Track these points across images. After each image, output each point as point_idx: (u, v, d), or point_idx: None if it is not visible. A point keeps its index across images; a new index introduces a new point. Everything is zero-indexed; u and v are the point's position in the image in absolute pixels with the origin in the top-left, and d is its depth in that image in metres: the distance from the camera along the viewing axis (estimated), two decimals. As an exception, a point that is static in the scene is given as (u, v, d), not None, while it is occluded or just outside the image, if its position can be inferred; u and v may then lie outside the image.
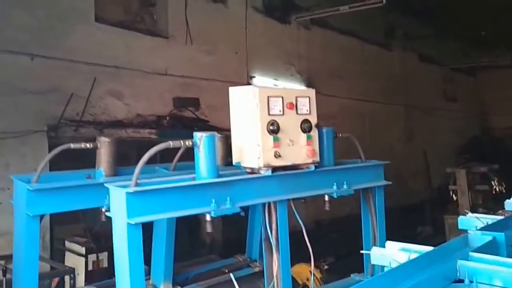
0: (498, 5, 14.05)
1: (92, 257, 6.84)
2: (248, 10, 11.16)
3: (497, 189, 10.45)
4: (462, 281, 2.27)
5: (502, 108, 21.09)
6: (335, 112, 12.57)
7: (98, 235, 6.95)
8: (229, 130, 3.72)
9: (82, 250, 6.87)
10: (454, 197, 10.48)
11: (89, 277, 6.67)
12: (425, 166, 17.94)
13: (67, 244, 7.16)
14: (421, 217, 13.86)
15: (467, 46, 19.85)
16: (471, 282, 2.23)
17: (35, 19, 7.64)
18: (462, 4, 14.57)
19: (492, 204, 9.99)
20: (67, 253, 7.19)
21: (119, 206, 2.91)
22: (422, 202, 15.14)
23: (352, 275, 4.63)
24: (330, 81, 13.12)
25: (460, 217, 3.27)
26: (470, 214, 3.30)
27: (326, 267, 6.49)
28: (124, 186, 2.97)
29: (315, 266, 5.46)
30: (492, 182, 10.49)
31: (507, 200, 9.40)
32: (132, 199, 2.88)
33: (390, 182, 4.46)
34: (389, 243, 2.68)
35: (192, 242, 8.23)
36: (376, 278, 2.28)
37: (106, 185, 3.03)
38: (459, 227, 3.24)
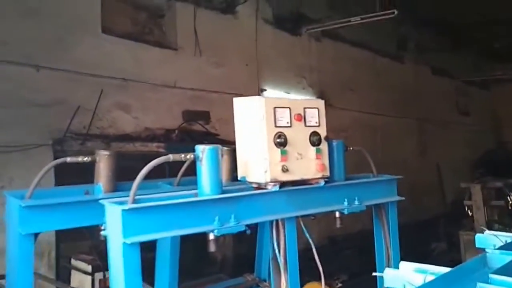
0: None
1: (98, 275, 6.62)
2: (258, 22, 11.03)
3: (513, 206, 10.20)
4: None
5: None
6: (346, 125, 12.37)
7: (105, 252, 6.74)
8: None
9: (88, 268, 6.66)
10: (469, 213, 10.23)
11: (96, 296, 6.49)
12: (438, 180, 17.62)
13: (73, 262, 6.97)
14: (435, 233, 13.57)
15: (480, 58, 19.60)
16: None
17: (41, 30, 7.53)
18: (475, 16, 14.37)
19: (508, 220, 9.74)
20: (73, 272, 7.00)
21: (114, 224, 2.72)
22: (436, 218, 14.84)
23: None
24: (341, 94, 12.93)
25: (478, 235, 3.08)
26: (487, 231, 3.10)
27: (339, 285, 6.26)
28: (121, 203, 2.78)
29: (328, 285, 5.23)
30: (508, 198, 10.23)
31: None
32: (128, 217, 2.69)
33: (404, 198, 4.24)
34: (403, 264, 2.51)
35: (202, 259, 8.01)
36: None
37: (101, 201, 2.85)
38: (476, 246, 3.06)
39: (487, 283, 2.20)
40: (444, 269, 2.39)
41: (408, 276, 2.40)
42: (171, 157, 3.04)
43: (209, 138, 9.38)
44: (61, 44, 7.75)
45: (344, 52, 13.59)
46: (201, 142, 9.17)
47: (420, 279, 2.34)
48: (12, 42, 7.18)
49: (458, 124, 19.10)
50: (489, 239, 2.96)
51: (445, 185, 17.59)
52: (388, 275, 2.43)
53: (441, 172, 17.70)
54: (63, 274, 7.34)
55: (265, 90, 11.10)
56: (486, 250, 2.79)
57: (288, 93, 11.64)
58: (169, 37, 9.64)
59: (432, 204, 16.52)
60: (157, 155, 3.12)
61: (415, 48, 16.68)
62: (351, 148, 4.06)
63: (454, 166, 17.77)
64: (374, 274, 2.93)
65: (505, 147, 22.05)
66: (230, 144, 6.25)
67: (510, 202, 10.17)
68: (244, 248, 6.86)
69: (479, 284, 2.18)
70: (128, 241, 2.67)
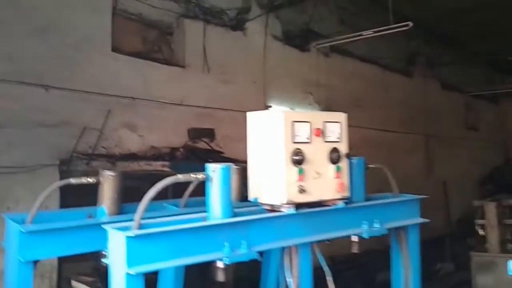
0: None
1: (99, 298, 6.40)
2: (267, 38, 10.85)
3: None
4: None
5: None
6: (354, 143, 12.01)
7: (106, 274, 6.50)
8: (244, 162, 3.30)
9: (89, 290, 6.45)
10: (481, 232, 9.81)
11: (95, 319, 6.25)
12: (444, 198, 17.24)
13: (74, 283, 6.73)
14: (441, 252, 13.15)
15: (490, 72, 19.36)
16: None
17: (50, 50, 7.36)
18: (486, 29, 14.19)
19: (522, 240, 9.33)
20: (73, 294, 6.78)
21: (118, 252, 2.48)
22: (440, 237, 14.43)
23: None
24: (349, 110, 12.41)
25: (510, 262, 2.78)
26: None
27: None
28: (125, 228, 2.55)
29: None
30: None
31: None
32: (133, 244, 2.46)
33: (428, 220, 3.96)
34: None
35: (201, 279, 7.68)
36: None
37: (104, 226, 2.62)
38: (509, 274, 2.75)
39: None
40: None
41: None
42: (180, 177, 2.81)
43: (213, 156, 9.16)
44: (71, 63, 7.56)
45: (352, 67, 13.38)
46: (205, 160, 8.93)
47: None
48: (20, 62, 7.00)
49: (466, 140, 18.79)
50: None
51: (450, 203, 17.23)
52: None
53: (447, 190, 17.35)
54: (64, 296, 7.12)
55: (271, 106, 10.90)
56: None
57: (293, 109, 11.43)
58: (178, 54, 9.47)
59: (437, 223, 16.12)
60: (162, 174, 2.89)
61: (425, 63, 16.45)
62: (372, 166, 3.81)
63: (461, 184, 17.42)
64: None
65: (513, 163, 21.69)
66: (233, 161, 6.05)
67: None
68: (245, 268, 6.55)
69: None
70: (132, 271, 2.43)
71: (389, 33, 10.29)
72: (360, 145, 12.22)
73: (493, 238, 9.22)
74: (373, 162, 4.07)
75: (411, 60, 15.82)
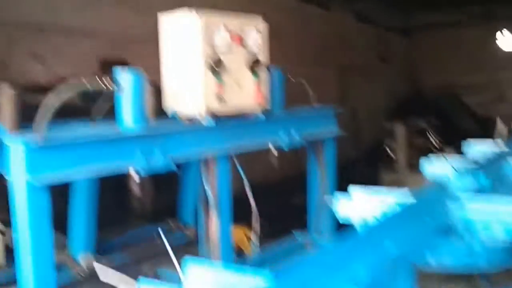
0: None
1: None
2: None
3: (436, 145, 10.28)
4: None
5: (435, 68, 21.21)
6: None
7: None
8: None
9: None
10: (391, 154, 10.22)
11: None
12: (355, 125, 17.78)
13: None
14: (352, 176, 13.63)
15: (403, 6, 19.69)
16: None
17: None
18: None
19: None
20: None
21: (18, 164, 2.26)
22: (351, 161, 14.97)
23: (294, 233, 4.13)
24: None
25: (424, 160, 2.73)
26: (437, 156, 2.81)
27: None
28: (27, 140, 2.32)
29: (249, 228, 4.95)
30: (430, 137, 10.33)
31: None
32: (34, 154, 2.24)
33: (345, 133, 3.95)
34: (354, 191, 2.17)
35: (118, 207, 7.45)
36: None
37: (3, 139, 2.37)
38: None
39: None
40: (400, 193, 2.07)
41: (362, 205, 2.08)
42: (87, 84, 2.58)
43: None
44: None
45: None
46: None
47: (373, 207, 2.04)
48: None
49: (379, 72, 19.30)
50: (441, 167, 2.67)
51: (361, 130, 17.81)
52: (342, 203, 2.10)
53: (357, 117, 17.87)
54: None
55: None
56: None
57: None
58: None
59: (348, 149, 16.64)
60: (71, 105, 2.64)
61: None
62: (291, 79, 3.71)
63: (372, 114, 17.98)
64: (325, 198, 2.62)
65: (422, 93, 22.58)
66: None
67: (432, 142, 10.28)
68: (165, 195, 6.43)
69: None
70: (34, 180, 2.23)
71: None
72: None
73: (402, 158, 9.68)
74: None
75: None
